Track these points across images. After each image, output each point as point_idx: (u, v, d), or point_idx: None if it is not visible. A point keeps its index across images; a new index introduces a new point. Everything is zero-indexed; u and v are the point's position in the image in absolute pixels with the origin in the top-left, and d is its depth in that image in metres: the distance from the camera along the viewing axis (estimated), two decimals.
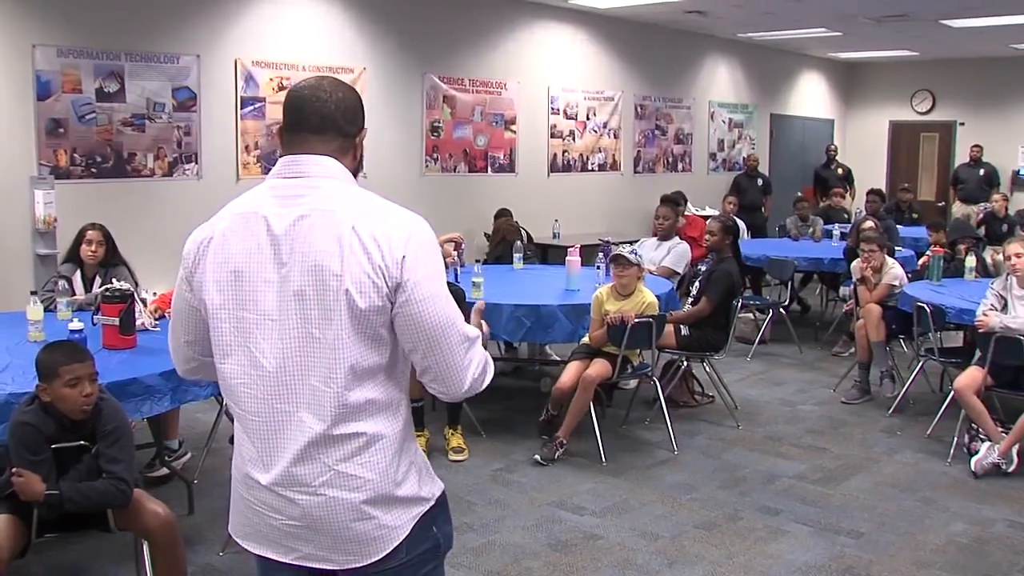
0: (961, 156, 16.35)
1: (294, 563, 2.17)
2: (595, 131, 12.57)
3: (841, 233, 10.55)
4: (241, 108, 8.76)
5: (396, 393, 2.15)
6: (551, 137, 11.93)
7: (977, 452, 5.88)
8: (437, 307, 2.06)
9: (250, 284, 2.09)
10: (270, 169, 2.19)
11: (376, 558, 2.13)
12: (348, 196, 2.10)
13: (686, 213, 10.56)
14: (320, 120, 2.13)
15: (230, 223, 2.15)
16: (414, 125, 10.18)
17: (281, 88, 8.91)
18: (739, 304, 7.65)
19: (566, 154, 12.17)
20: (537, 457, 5.89)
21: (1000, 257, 7.77)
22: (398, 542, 2.13)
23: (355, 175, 2.20)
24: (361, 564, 2.13)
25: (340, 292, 2.01)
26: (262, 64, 8.84)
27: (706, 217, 9.59)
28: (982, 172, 15.30)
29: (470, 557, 4.58)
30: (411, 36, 10.14)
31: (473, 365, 2.13)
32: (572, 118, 12.19)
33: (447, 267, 6.07)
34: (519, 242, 8.53)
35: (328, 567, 2.16)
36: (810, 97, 17.34)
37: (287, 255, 2.06)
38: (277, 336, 2.07)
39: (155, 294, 5.95)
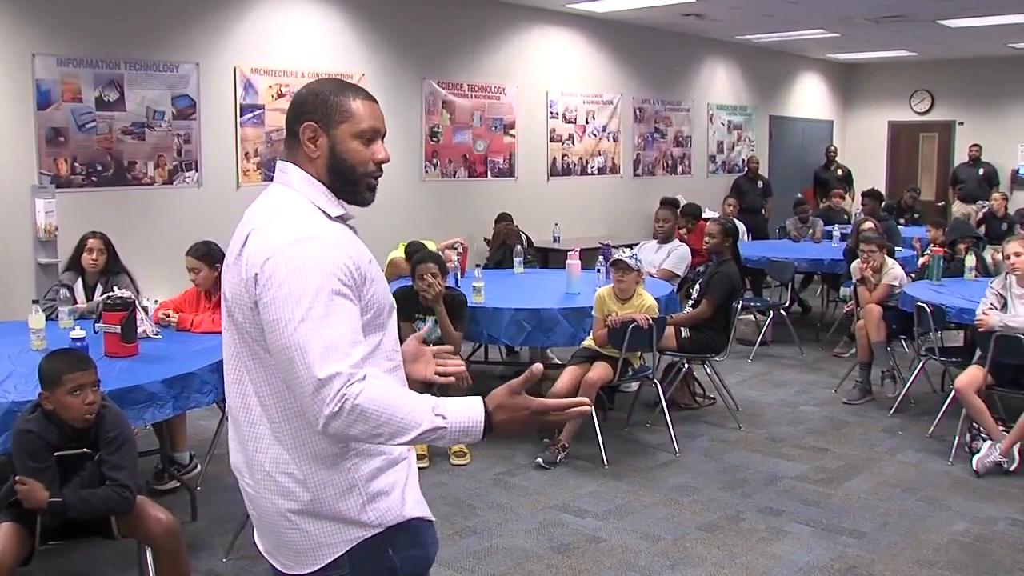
0: (960, 156, 16.37)
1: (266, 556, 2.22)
2: (594, 135, 12.59)
3: (841, 234, 10.56)
4: (241, 115, 8.78)
5: None
6: (550, 141, 11.94)
7: (978, 451, 5.89)
8: (282, 334, 1.92)
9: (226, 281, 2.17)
10: (269, 176, 2.21)
11: (310, 569, 2.10)
12: (276, 205, 2.08)
13: (704, 217, 10.54)
14: (285, 124, 2.17)
15: None
16: (413, 130, 10.20)
17: (280, 95, 8.93)
18: (739, 306, 7.66)
19: (565, 158, 12.19)
20: (539, 460, 5.90)
21: (1000, 256, 7.77)
22: (331, 559, 2.08)
23: (344, 178, 2.12)
24: (296, 573, 2.12)
25: (226, 300, 2.07)
26: (261, 71, 8.87)
27: (706, 219, 9.60)
28: (981, 171, 15.31)
29: (472, 561, 4.59)
30: (410, 41, 10.16)
31: (324, 406, 1.89)
32: (571, 122, 12.21)
33: (447, 272, 6.14)
34: (519, 246, 8.55)
35: (279, 568, 2.17)
36: (809, 98, 17.35)
37: (232, 259, 2.12)
38: (229, 331, 2.14)
39: (156, 302, 5.97)
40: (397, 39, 10.04)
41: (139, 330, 4.92)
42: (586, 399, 2.16)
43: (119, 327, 4.68)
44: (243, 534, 4.50)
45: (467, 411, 1.97)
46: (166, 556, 3.73)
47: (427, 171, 10.43)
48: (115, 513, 3.63)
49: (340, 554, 2.08)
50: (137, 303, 4.98)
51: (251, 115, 8.85)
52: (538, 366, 2.10)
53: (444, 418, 1.94)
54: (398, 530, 2.13)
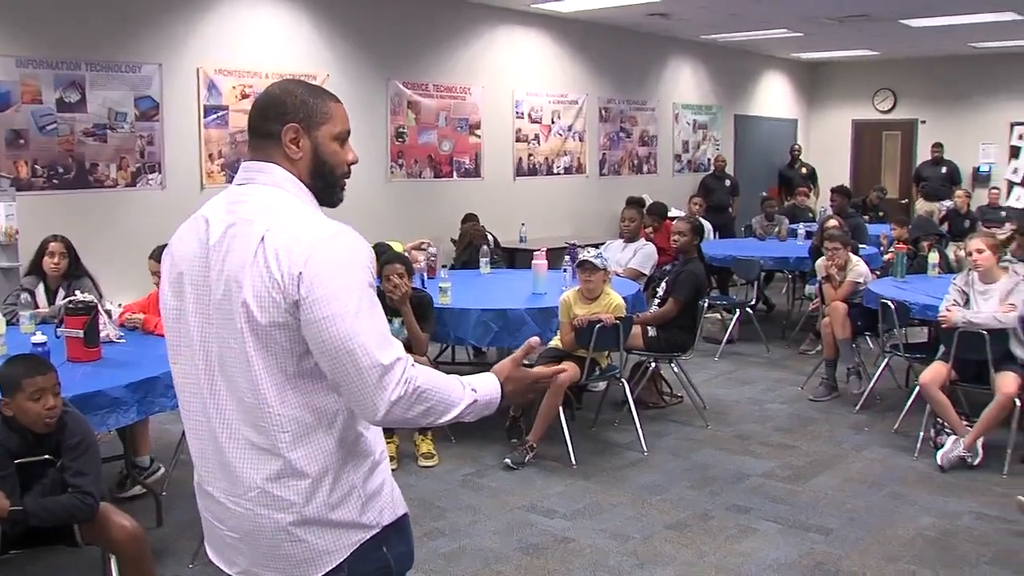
0: (923, 154, 16.49)
1: None
2: (560, 134, 12.59)
3: (807, 232, 10.61)
4: (204, 117, 8.70)
5: (328, 411, 2.05)
6: (516, 141, 11.94)
7: (943, 446, 5.95)
8: (340, 327, 1.93)
9: (191, 287, 2.09)
10: (234, 178, 2.17)
11: None
12: (273, 206, 2.04)
13: (670, 216, 10.58)
14: (251, 125, 2.14)
15: (185, 225, 2.16)
16: (379, 131, 10.15)
17: (244, 96, 8.87)
18: (706, 304, 7.68)
19: (531, 158, 12.18)
20: (507, 461, 5.89)
21: (962, 253, 7.85)
22: (332, 566, 2.07)
23: (324, 179, 2.13)
24: None
25: (240, 304, 1.98)
26: (225, 72, 8.80)
27: (673, 218, 9.63)
28: (944, 169, 15.46)
29: (441, 563, 4.57)
30: (374, 42, 10.12)
31: (389, 392, 1.94)
32: (537, 122, 12.20)
33: (414, 272, 6.12)
34: (486, 247, 8.53)
35: None
36: (773, 98, 17.45)
37: (215, 262, 2.04)
38: (209, 341, 2.06)
39: (119, 305, 5.90)
40: (362, 39, 9.99)
41: (102, 334, 4.87)
42: (565, 365, 2.34)
43: (82, 331, 4.63)
44: None
45: (490, 385, 2.12)
46: (131, 563, 3.69)
47: (393, 172, 10.39)
48: (78, 520, 3.59)
49: (341, 560, 2.08)
50: (100, 307, 4.93)
51: (215, 116, 8.78)
52: (535, 339, 2.29)
53: (476, 392, 2.08)
54: (392, 528, 2.16)
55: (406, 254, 6.66)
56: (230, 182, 2.21)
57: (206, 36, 8.68)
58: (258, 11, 9.08)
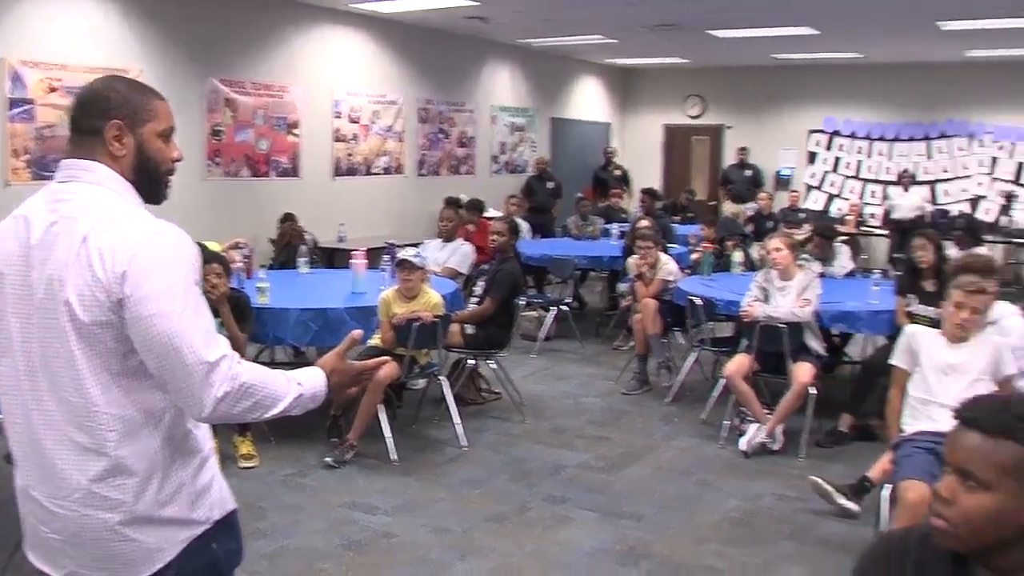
0: (730, 158, 17.25)
1: None
2: (379, 134, 12.59)
3: (620, 232, 10.93)
4: (9, 110, 8.33)
5: (155, 409, 2.04)
6: (335, 141, 11.86)
7: (746, 433, 6.28)
8: (165, 325, 1.93)
9: (11, 287, 2.06)
10: (41, 175, 2.13)
11: None
12: (96, 204, 2.02)
13: (484, 216, 10.75)
14: (73, 121, 2.11)
15: (3, 224, 2.12)
16: (195, 129, 9.93)
17: (52, 90, 8.52)
18: (523, 302, 7.85)
19: (350, 157, 12.13)
20: (328, 460, 5.89)
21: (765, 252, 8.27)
22: (163, 563, 2.07)
23: (149, 176, 2.13)
24: None
25: (63, 303, 1.96)
26: (31, 64, 8.43)
27: (490, 218, 9.78)
28: (749, 173, 16.21)
29: (264, 563, 4.55)
30: (190, 38, 9.89)
31: (215, 388, 1.94)
32: (356, 122, 12.16)
33: (232, 273, 6.04)
34: (304, 247, 8.49)
35: None
36: (589, 101, 17.87)
37: (37, 262, 2.02)
38: (31, 342, 2.03)
39: None
40: (176, 35, 9.75)
41: None
42: (387, 357, 2.40)
43: None
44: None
45: (315, 378, 2.16)
46: None
47: (209, 170, 10.18)
48: None
49: (171, 557, 2.07)
50: None
51: (20, 110, 8.40)
52: (358, 331, 2.37)
53: (301, 385, 2.11)
54: (221, 524, 2.17)
55: (223, 254, 6.57)
56: (37, 180, 2.17)
57: (11, 26, 8.29)
58: (68, 2, 8.73)
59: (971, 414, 1.80)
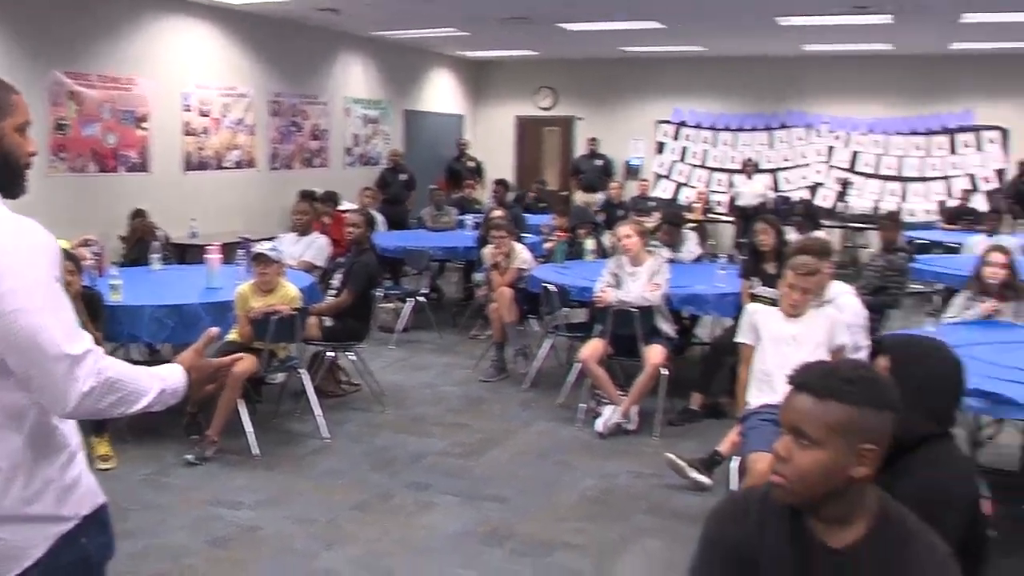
0: (581, 148, 17.57)
1: None
2: (230, 128, 12.42)
3: (475, 223, 11.05)
4: None
5: (17, 406, 2.02)
6: (185, 135, 11.66)
7: (602, 415, 6.49)
8: (27, 321, 1.90)
9: None
10: None
11: None
12: None
13: (339, 209, 10.74)
14: None
15: None
16: (38, 123, 9.47)
17: None
18: (380, 294, 7.88)
19: (201, 151, 11.94)
20: (189, 457, 5.84)
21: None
22: (32, 561, 2.05)
23: (10, 171, 2.10)
24: None
25: None
26: None
27: (345, 211, 9.78)
28: (599, 163, 16.55)
29: (130, 563, 4.49)
30: (31, 29, 9.57)
31: (80, 383, 1.94)
32: (206, 115, 11.97)
33: (83, 269, 5.92)
34: (156, 242, 8.34)
35: None
36: (442, 94, 17.95)
37: None
38: None
39: None
40: (15, 25, 9.42)
41: None
42: (244, 353, 2.41)
43: None
44: None
45: (175, 374, 2.20)
46: None
47: (54, 166, 9.88)
48: None
49: (40, 555, 2.06)
50: None
51: None
52: (215, 329, 2.44)
53: (164, 380, 2.15)
54: (91, 519, 2.16)
55: (73, 251, 6.43)
56: None
57: None
58: None
59: (802, 379, 1.98)
